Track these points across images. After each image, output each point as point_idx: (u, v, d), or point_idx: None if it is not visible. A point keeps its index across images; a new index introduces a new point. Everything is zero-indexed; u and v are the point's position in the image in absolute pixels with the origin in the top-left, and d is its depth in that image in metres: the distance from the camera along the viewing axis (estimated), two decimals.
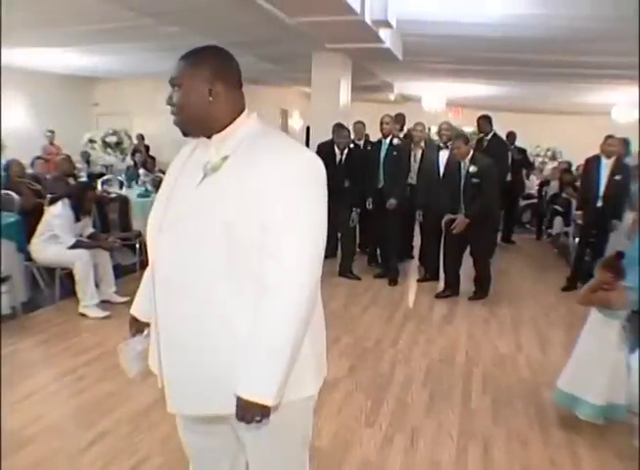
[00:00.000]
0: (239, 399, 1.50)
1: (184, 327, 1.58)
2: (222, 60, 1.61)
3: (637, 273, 3.56)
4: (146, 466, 2.85)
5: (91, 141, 10.94)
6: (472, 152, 5.84)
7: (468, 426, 3.38)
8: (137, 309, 1.92)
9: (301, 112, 16.05)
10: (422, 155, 6.68)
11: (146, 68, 9.95)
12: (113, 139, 10.27)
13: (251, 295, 1.51)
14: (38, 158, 7.63)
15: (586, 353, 3.41)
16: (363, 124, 7.47)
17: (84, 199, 5.28)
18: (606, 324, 3.37)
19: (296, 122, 16.41)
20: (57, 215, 5.10)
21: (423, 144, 6.86)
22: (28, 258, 5.26)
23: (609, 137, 6.25)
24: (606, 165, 6.17)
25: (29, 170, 7.85)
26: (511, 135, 9.31)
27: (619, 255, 3.57)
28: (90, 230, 5.49)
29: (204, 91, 1.56)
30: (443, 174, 6.28)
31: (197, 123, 1.61)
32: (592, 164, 6.35)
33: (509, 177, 8.56)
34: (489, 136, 7.65)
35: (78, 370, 4.00)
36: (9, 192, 6.10)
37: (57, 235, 5.09)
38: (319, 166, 1.57)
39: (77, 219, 5.22)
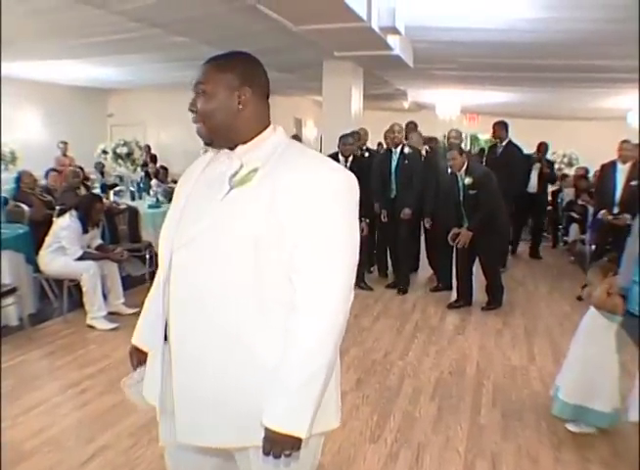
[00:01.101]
0: (268, 431, 1.39)
1: (203, 354, 1.48)
2: (252, 66, 1.53)
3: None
4: None
5: (104, 152, 11.00)
6: (466, 163, 5.73)
7: (476, 441, 3.29)
8: (139, 339, 1.77)
9: (316, 121, 16.04)
10: (431, 162, 6.59)
11: (157, 78, 10.00)
12: (124, 150, 10.32)
13: (279, 322, 1.43)
14: (53, 170, 7.67)
15: (589, 361, 3.34)
16: (365, 131, 7.43)
17: (92, 211, 5.27)
18: (607, 328, 3.31)
19: (310, 132, 16.40)
20: (64, 227, 5.10)
21: (424, 152, 6.80)
22: (37, 269, 5.26)
23: (624, 142, 6.14)
24: (622, 171, 6.05)
25: (43, 182, 7.91)
26: (541, 146, 8.95)
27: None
28: (98, 241, 5.49)
29: (232, 98, 1.48)
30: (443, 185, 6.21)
31: (222, 132, 1.51)
32: (608, 169, 6.24)
33: (534, 189, 8.37)
34: (504, 143, 7.54)
35: (83, 383, 3.98)
36: (19, 204, 6.13)
37: (64, 247, 5.08)
38: (355, 185, 1.49)
39: (85, 231, 5.21)
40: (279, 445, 1.39)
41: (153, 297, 1.71)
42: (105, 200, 7.42)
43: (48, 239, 5.17)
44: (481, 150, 11.61)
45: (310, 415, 1.39)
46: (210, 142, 1.54)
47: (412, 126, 7.49)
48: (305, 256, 1.40)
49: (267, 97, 1.57)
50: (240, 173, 1.48)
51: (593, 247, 6.86)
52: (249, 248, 1.40)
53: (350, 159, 6.45)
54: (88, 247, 5.30)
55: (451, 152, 5.75)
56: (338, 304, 1.41)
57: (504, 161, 7.34)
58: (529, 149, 9.37)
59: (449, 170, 5.92)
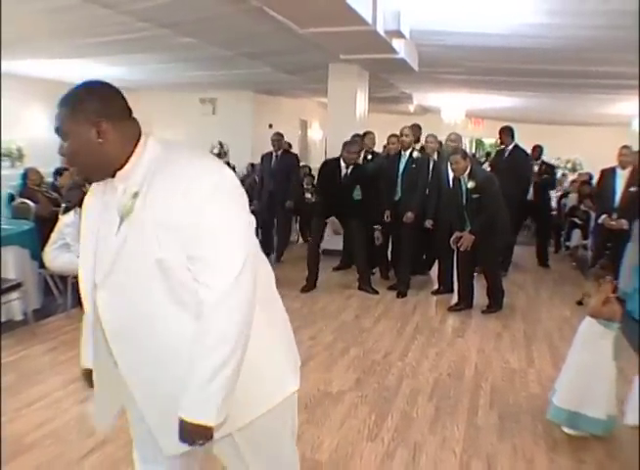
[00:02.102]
0: (181, 422, 1.50)
1: (153, 373, 1.58)
2: (100, 97, 1.51)
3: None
4: None
5: None
6: (469, 167, 5.72)
7: (472, 442, 3.32)
8: (89, 361, 1.84)
9: (321, 123, 16.08)
10: (433, 166, 6.61)
11: (164, 78, 10.06)
12: None
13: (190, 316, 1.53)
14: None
15: (585, 367, 3.36)
16: (373, 134, 7.46)
17: None
18: (604, 335, 3.34)
19: (315, 133, 16.44)
20: (69, 224, 5.10)
21: (435, 156, 6.82)
22: (42, 265, 5.30)
23: (623, 148, 6.16)
24: (621, 176, 6.08)
25: (49, 179, 7.95)
26: (536, 149, 8.69)
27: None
28: None
29: (90, 134, 1.48)
30: (447, 189, 6.21)
31: (95, 169, 1.55)
32: (607, 175, 6.26)
33: (530, 195, 8.19)
34: (510, 147, 7.56)
35: None
36: (25, 200, 6.18)
37: (69, 244, 5.12)
38: (227, 177, 1.52)
39: None
40: (191, 433, 1.50)
41: (87, 324, 1.80)
42: None
43: (53, 236, 5.18)
44: (487, 154, 11.64)
45: (216, 405, 1.48)
46: (89, 180, 1.61)
47: (417, 129, 7.50)
48: (198, 261, 1.46)
49: (129, 114, 1.55)
50: (123, 203, 1.51)
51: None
52: (154, 271, 1.48)
53: (351, 167, 6.44)
54: None
55: (454, 156, 5.75)
56: (231, 300, 1.47)
57: (510, 165, 7.38)
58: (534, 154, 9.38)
59: (451, 174, 5.94)
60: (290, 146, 12.06)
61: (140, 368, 1.60)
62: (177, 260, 1.47)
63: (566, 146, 14.19)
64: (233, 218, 1.50)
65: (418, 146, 7.02)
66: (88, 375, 1.84)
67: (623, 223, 5.98)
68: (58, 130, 1.51)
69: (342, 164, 6.44)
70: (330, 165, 6.56)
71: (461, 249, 5.78)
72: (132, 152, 1.52)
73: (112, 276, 1.55)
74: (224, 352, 1.46)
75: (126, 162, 1.52)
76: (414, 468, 3.03)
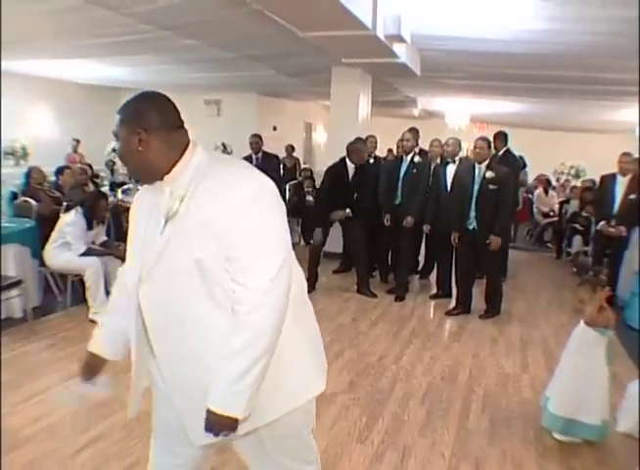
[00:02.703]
0: (209, 414, 1.58)
1: (185, 365, 1.68)
2: (145, 107, 1.63)
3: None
4: None
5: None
6: (489, 159, 5.71)
7: (462, 446, 3.34)
8: (99, 349, 1.92)
9: (326, 126, 16.12)
10: (433, 171, 6.63)
11: (167, 79, 10.12)
12: None
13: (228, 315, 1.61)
14: (66, 167, 7.78)
15: (579, 374, 3.37)
16: (375, 138, 7.49)
17: (97, 207, 5.37)
18: (598, 342, 3.35)
19: (320, 136, 16.50)
20: (69, 223, 5.20)
21: (439, 160, 6.83)
22: (43, 263, 5.36)
23: (624, 155, 6.17)
24: (621, 183, 6.08)
25: (52, 178, 8.01)
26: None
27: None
28: (103, 238, 5.59)
29: (133, 142, 1.60)
30: (452, 186, 6.21)
31: (140, 172, 1.69)
32: (607, 181, 6.27)
33: None
34: (501, 152, 7.43)
35: None
36: (27, 199, 6.24)
37: (69, 242, 5.18)
38: (268, 188, 1.63)
39: (90, 227, 5.31)
40: (218, 424, 1.59)
41: (111, 313, 1.93)
42: (112, 198, 7.57)
43: (54, 234, 5.27)
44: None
45: (245, 400, 1.56)
46: (138, 181, 1.74)
47: (415, 133, 7.45)
48: (235, 264, 1.55)
49: (176, 126, 1.66)
50: (169, 206, 1.63)
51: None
52: (193, 271, 1.58)
53: (357, 167, 6.48)
54: (93, 243, 5.39)
55: (481, 141, 5.68)
56: (267, 303, 1.56)
57: None
58: (538, 159, 9.38)
59: (450, 175, 5.92)
60: (293, 148, 12.13)
61: (176, 361, 1.69)
62: (215, 261, 1.56)
63: (570, 152, 14.19)
64: (271, 223, 1.60)
65: (416, 149, 7.03)
66: (91, 358, 1.93)
67: (622, 230, 5.99)
68: (114, 134, 1.66)
69: (350, 164, 6.47)
70: (337, 168, 6.57)
71: (491, 249, 5.72)
72: (179, 158, 1.64)
73: (154, 273, 1.64)
74: (258, 351, 1.55)
75: (173, 167, 1.63)
76: None
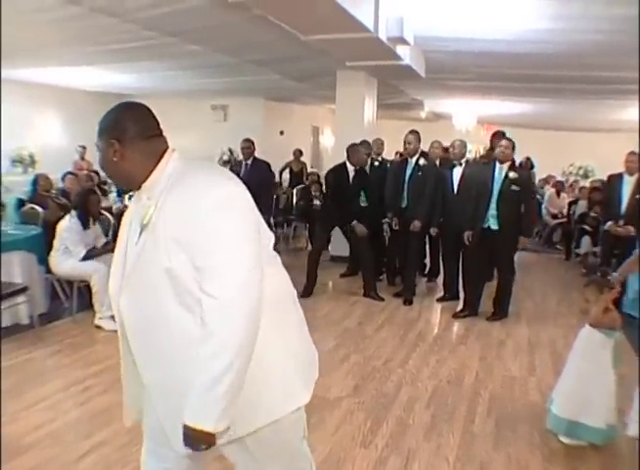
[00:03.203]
0: (185, 428, 1.57)
1: (162, 372, 1.68)
2: (121, 116, 1.66)
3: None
4: None
5: None
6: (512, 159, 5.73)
7: (467, 450, 3.31)
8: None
9: (333, 129, 16.11)
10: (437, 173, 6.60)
11: (172, 85, 10.17)
12: None
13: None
14: (70, 173, 7.83)
15: (584, 376, 3.34)
16: (382, 141, 7.46)
17: (88, 204, 5.37)
18: (604, 344, 3.31)
19: (327, 140, 16.49)
20: (65, 229, 5.21)
21: (438, 162, 6.81)
22: (49, 270, 5.38)
23: (631, 154, 6.10)
24: (628, 183, 6.03)
25: (60, 185, 8.06)
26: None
27: None
28: (103, 240, 5.58)
29: (109, 152, 1.64)
30: (459, 187, 6.21)
31: (119, 181, 1.75)
32: (614, 181, 6.22)
33: None
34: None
35: (86, 381, 4.07)
36: (34, 206, 6.27)
37: (73, 251, 5.19)
38: (236, 196, 1.61)
39: (86, 227, 5.31)
40: (193, 438, 1.57)
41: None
42: (119, 203, 7.61)
43: (55, 242, 5.28)
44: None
45: (216, 413, 1.53)
46: (119, 188, 1.78)
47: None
48: (202, 270, 1.54)
49: (151, 134, 1.67)
50: (145, 214, 1.63)
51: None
52: (164, 279, 1.58)
53: (357, 171, 6.48)
54: (94, 248, 5.40)
55: (506, 141, 5.67)
56: (233, 310, 1.52)
57: None
58: (546, 160, 9.27)
59: (457, 178, 5.91)
60: (301, 153, 12.13)
61: (153, 368, 1.70)
62: (184, 270, 1.55)
63: (578, 152, 14.10)
64: (238, 231, 1.56)
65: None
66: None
67: (630, 230, 5.93)
68: (95, 145, 1.70)
69: (350, 167, 6.47)
70: (337, 171, 6.58)
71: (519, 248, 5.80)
72: (155, 166, 1.64)
73: (130, 281, 1.66)
74: (224, 361, 1.51)
75: (149, 175, 1.64)
76: None
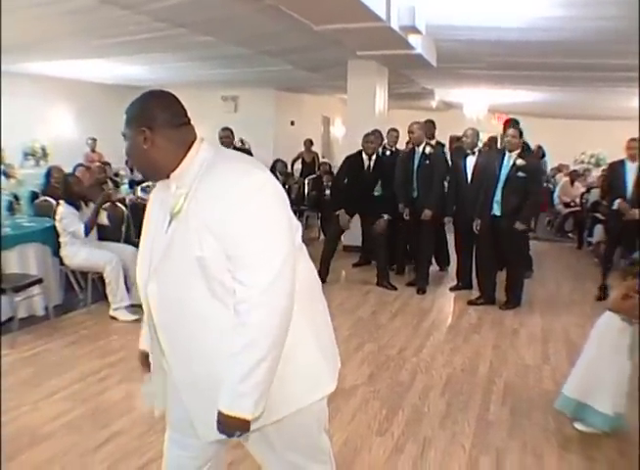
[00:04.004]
0: (219, 414, 1.58)
1: (191, 362, 1.68)
2: (148, 106, 1.64)
3: None
4: (153, 466, 2.88)
5: None
6: (521, 147, 5.72)
7: (482, 437, 3.32)
8: (144, 343, 1.98)
9: (343, 119, 16.08)
10: (452, 161, 6.58)
11: (183, 76, 10.16)
12: None
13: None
14: (80, 165, 7.85)
15: (598, 359, 3.32)
16: (397, 132, 7.42)
17: (69, 187, 5.37)
18: (622, 331, 3.29)
19: (337, 130, 16.46)
20: (63, 217, 5.19)
21: (449, 151, 6.80)
22: (63, 261, 5.42)
23: (632, 140, 6.02)
24: (631, 169, 5.96)
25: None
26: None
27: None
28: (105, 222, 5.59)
29: (138, 140, 1.61)
30: (472, 176, 6.19)
31: (147, 170, 1.71)
32: (616, 168, 6.16)
33: None
34: None
35: (102, 371, 4.11)
36: (47, 198, 6.31)
37: (73, 233, 5.18)
38: (268, 182, 1.60)
39: (78, 208, 5.31)
40: (229, 425, 1.58)
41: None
42: (131, 195, 7.64)
43: (61, 237, 5.28)
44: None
45: (253, 399, 1.55)
46: (145, 178, 1.76)
47: (430, 125, 7.37)
48: (236, 261, 1.54)
49: (181, 123, 1.65)
50: (174, 204, 1.63)
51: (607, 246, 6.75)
52: (195, 269, 1.57)
53: (374, 157, 6.50)
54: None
55: (513, 130, 5.69)
56: (268, 299, 1.53)
57: None
58: (558, 149, 9.17)
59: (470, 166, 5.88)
60: (312, 143, 12.12)
61: (182, 358, 1.69)
62: (216, 260, 1.55)
63: (590, 141, 13.99)
64: (271, 219, 1.57)
65: (433, 142, 6.99)
66: (142, 357, 1.97)
67: (636, 213, 5.84)
68: (122, 134, 1.67)
69: (365, 156, 6.48)
70: (353, 160, 6.59)
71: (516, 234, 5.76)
72: (185, 155, 1.63)
73: (160, 271, 1.64)
74: (261, 351, 1.53)
75: (179, 164, 1.63)
76: (422, 463, 3.04)
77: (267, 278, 1.52)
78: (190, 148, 1.64)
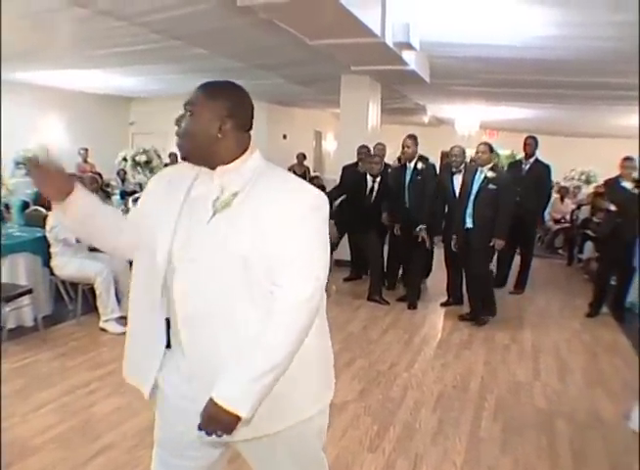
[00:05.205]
0: (212, 405, 1.52)
1: (214, 360, 1.60)
2: (239, 99, 1.63)
3: None
4: None
5: (125, 159, 11.19)
6: (492, 163, 5.81)
7: (474, 454, 3.31)
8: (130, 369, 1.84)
9: (335, 134, 16.16)
10: (439, 179, 6.61)
11: (177, 88, 10.07)
12: (142, 158, 10.49)
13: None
14: (72, 175, 7.82)
15: None
16: (383, 145, 7.46)
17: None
18: None
19: (329, 144, 16.51)
20: (53, 227, 5.16)
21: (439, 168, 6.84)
22: (53, 272, 5.38)
23: (626, 159, 6.10)
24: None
25: None
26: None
27: None
28: None
29: (213, 125, 1.58)
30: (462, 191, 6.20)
31: (199, 154, 1.63)
32: (612, 186, 6.22)
33: None
34: (531, 160, 7.32)
35: (92, 384, 4.07)
36: (38, 208, 6.28)
37: (65, 240, 5.14)
38: (326, 203, 1.62)
39: None
40: (216, 419, 1.52)
41: (139, 320, 1.78)
42: (123, 206, 7.61)
43: (52, 246, 5.25)
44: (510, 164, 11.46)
45: (257, 399, 1.52)
46: (186, 158, 1.66)
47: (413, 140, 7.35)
48: (282, 268, 1.54)
49: (250, 128, 1.66)
50: (221, 198, 1.60)
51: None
52: (237, 267, 1.54)
53: (378, 179, 6.52)
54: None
55: (482, 146, 5.78)
56: (306, 306, 1.55)
57: (531, 179, 7.16)
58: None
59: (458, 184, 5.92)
60: (304, 157, 12.14)
61: (203, 350, 1.62)
62: (261, 261, 1.53)
63: (580, 158, 14.10)
64: (320, 238, 1.59)
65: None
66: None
67: None
68: (187, 104, 1.60)
69: (369, 177, 6.52)
70: (351, 171, 6.61)
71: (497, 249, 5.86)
72: (238, 157, 1.62)
73: (195, 263, 1.59)
74: (280, 355, 1.52)
75: (230, 162, 1.61)
76: None
77: (308, 290, 1.54)
78: (244, 152, 1.64)
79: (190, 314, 1.62)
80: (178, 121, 1.63)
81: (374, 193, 6.54)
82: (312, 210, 1.58)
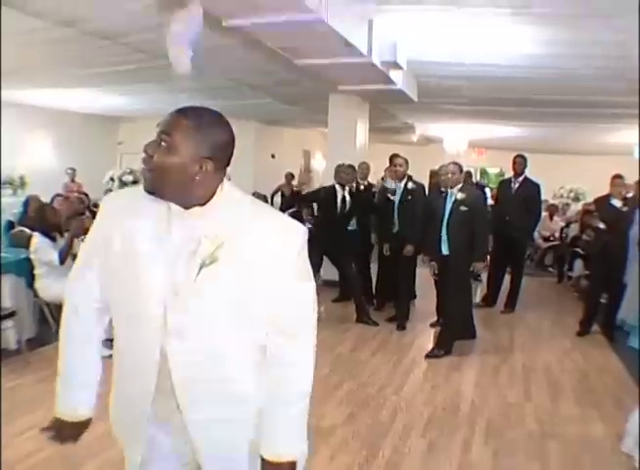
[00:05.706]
0: (268, 465, 1.52)
1: (215, 416, 1.54)
2: (224, 136, 1.45)
3: None
4: None
5: (112, 179, 11.11)
6: (462, 183, 5.59)
7: None
8: (80, 407, 1.77)
9: (324, 153, 16.17)
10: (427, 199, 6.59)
11: (165, 107, 9.93)
12: (129, 178, 10.39)
13: (261, 369, 1.55)
14: (58, 195, 7.77)
15: None
16: (367, 164, 7.45)
17: (45, 217, 5.32)
18: None
19: (318, 164, 16.52)
20: (37, 249, 5.11)
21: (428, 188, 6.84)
22: (37, 293, 5.30)
23: (615, 178, 6.12)
24: (617, 205, 6.04)
25: None
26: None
27: None
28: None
29: (193, 166, 1.39)
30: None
31: (171, 192, 1.43)
32: (602, 204, 6.24)
33: None
34: (520, 178, 7.30)
35: None
36: (23, 228, 6.19)
37: (49, 263, 5.08)
38: (306, 234, 1.54)
39: (53, 239, 5.25)
40: None
41: (75, 357, 1.72)
42: None
43: (35, 268, 5.18)
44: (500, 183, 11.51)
45: (302, 439, 1.57)
46: (154, 194, 1.44)
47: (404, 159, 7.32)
48: (282, 311, 1.51)
49: (226, 165, 1.48)
50: (205, 251, 1.43)
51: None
52: (233, 321, 1.48)
53: (347, 189, 6.50)
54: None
55: (452, 166, 5.50)
56: (312, 347, 1.57)
57: (521, 198, 7.16)
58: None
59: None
60: (292, 176, 12.14)
61: (201, 404, 1.52)
62: (257, 304, 1.48)
63: (569, 175, 14.20)
64: (309, 272, 1.57)
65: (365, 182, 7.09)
66: (65, 426, 1.77)
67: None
68: (163, 133, 1.39)
69: (338, 187, 6.47)
70: (324, 192, 6.59)
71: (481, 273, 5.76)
72: (212, 196, 1.45)
73: (187, 322, 1.46)
74: (307, 396, 1.56)
75: (206, 203, 1.45)
76: None
77: (311, 332, 1.56)
78: (217, 188, 1.47)
79: (184, 376, 1.50)
80: (148, 149, 1.42)
81: (346, 204, 6.51)
82: (300, 251, 1.51)
